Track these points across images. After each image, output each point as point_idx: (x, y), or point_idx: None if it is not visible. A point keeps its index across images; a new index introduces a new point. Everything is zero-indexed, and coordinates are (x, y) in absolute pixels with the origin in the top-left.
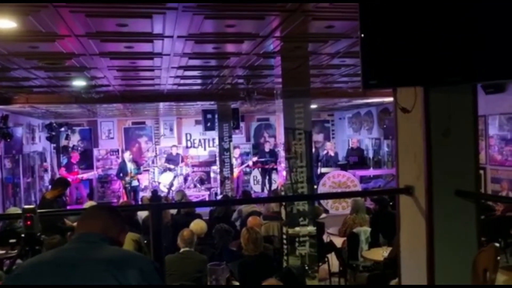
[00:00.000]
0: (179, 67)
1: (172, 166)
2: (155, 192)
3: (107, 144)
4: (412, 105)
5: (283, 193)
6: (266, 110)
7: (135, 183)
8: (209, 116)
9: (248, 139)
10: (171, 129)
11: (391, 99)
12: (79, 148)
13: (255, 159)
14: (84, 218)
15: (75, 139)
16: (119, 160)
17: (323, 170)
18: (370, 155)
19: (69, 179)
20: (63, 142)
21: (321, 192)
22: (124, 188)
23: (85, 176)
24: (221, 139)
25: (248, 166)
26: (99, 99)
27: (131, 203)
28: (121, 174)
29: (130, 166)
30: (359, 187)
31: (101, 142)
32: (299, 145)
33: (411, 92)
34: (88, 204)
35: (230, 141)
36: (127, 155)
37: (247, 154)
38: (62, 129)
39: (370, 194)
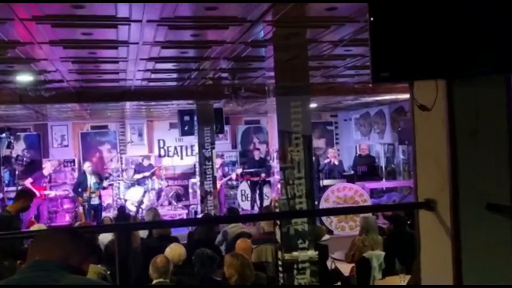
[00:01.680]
0: (150, 59)
1: (141, 176)
2: (122, 209)
3: (60, 154)
4: (432, 102)
5: (277, 211)
6: (256, 110)
7: (95, 200)
8: (186, 118)
9: (234, 146)
10: (140, 135)
11: (407, 95)
12: (25, 159)
13: (239, 170)
14: (38, 242)
15: (19, 148)
16: (75, 173)
17: (326, 182)
18: (382, 163)
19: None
20: (4, 152)
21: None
22: (82, 207)
23: (52, 193)
24: (201, 146)
25: (231, 179)
26: (50, 98)
27: (91, 225)
28: (79, 190)
29: (91, 180)
30: (369, 202)
31: (53, 151)
32: (296, 152)
33: (431, 87)
34: (36, 227)
35: (213, 148)
36: (87, 166)
37: (233, 164)
38: (3, 135)
39: (383, 209)
